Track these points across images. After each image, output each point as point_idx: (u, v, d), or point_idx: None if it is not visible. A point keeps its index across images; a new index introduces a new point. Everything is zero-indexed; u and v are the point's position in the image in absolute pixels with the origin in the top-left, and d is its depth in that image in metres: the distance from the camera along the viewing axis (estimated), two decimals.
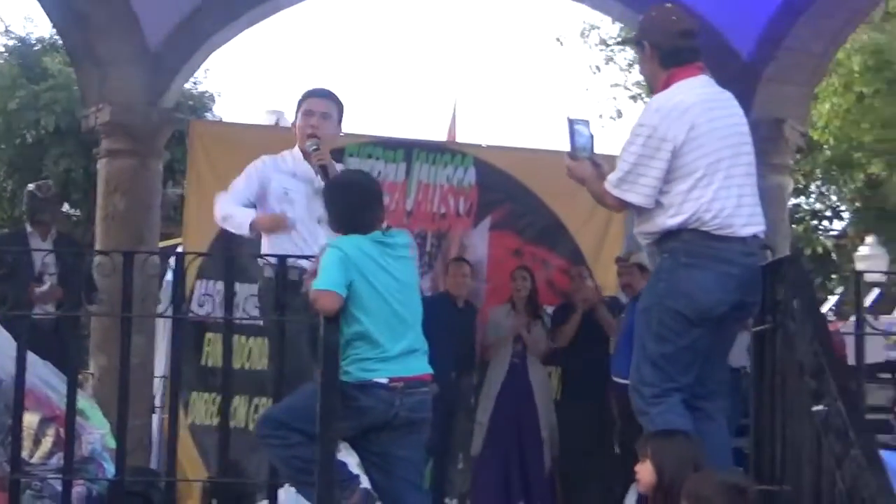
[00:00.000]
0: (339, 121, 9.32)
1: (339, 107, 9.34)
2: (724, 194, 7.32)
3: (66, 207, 25.44)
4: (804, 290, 7.19)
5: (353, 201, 7.50)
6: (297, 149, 9.21)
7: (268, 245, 9.00)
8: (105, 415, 8.25)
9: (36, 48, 26.91)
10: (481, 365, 13.34)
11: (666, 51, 7.56)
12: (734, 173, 7.39)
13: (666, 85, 7.50)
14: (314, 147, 8.91)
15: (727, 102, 7.64)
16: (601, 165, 7.71)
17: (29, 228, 12.19)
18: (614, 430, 12.71)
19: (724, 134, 7.41)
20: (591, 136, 7.70)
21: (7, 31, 27.63)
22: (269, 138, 15.01)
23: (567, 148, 7.72)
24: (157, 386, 14.54)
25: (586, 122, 7.70)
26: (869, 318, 10.60)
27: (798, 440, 6.97)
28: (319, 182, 8.76)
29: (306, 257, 8.14)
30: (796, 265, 7.41)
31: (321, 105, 9.21)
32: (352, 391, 6.99)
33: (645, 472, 6.79)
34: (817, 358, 6.67)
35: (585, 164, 7.67)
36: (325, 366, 6.77)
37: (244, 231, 8.94)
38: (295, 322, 7.96)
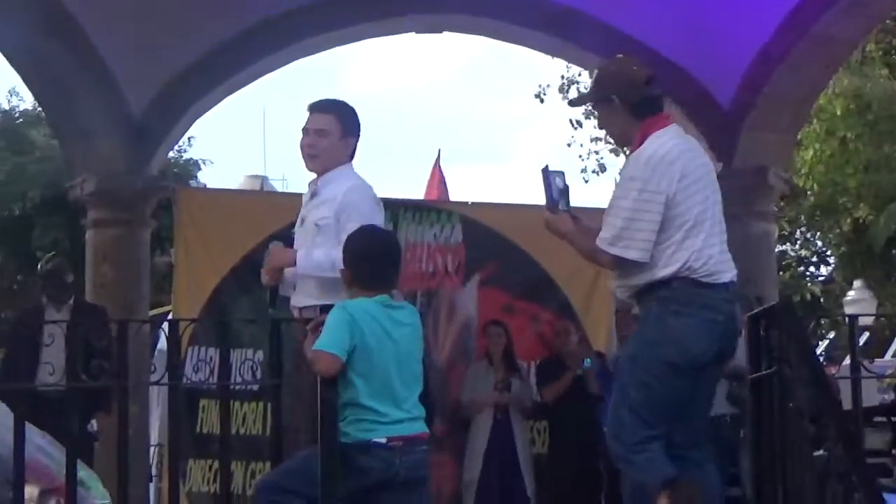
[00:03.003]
0: (346, 132, 8.53)
1: (342, 117, 8.57)
2: (710, 242, 7.27)
3: None
4: (799, 336, 7.21)
5: (378, 256, 7.39)
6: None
7: None
8: (104, 484, 8.20)
9: (20, 121, 26.99)
10: (463, 423, 13.30)
11: (637, 102, 7.41)
12: (717, 220, 7.36)
13: (642, 137, 7.38)
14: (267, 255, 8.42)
15: (700, 150, 7.60)
16: (580, 219, 7.55)
17: (45, 300, 12.23)
18: (602, 485, 12.72)
19: (706, 182, 7.37)
20: (567, 189, 7.54)
21: None
22: (254, 203, 15.14)
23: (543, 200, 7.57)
24: (152, 454, 14.52)
25: (562, 174, 7.53)
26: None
27: (800, 485, 6.99)
28: (305, 209, 8.47)
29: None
30: (789, 312, 7.42)
31: (315, 121, 8.52)
32: (351, 452, 6.95)
33: None
34: (816, 403, 6.71)
35: (566, 219, 7.51)
36: (324, 427, 6.74)
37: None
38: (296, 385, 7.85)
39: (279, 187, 29.60)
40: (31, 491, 7.47)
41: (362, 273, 7.26)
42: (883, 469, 12.10)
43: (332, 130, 8.48)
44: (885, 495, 6.63)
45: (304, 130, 8.53)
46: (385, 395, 7.05)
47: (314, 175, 8.48)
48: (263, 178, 29.45)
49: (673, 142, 7.38)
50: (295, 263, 8.20)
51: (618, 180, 7.61)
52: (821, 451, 6.61)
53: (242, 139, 63.73)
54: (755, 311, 7.99)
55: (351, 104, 8.75)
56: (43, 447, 7.90)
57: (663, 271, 7.21)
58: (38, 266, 12.65)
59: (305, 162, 8.56)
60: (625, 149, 34.02)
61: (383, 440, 7.02)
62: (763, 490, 7.63)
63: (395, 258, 7.53)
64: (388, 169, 60.39)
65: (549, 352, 13.67)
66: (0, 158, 25.48)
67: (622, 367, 7.51)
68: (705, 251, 7.25)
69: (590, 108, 34.97)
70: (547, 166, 7.53)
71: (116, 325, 7.78)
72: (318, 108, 8.61)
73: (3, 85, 30.85)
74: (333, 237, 8.12)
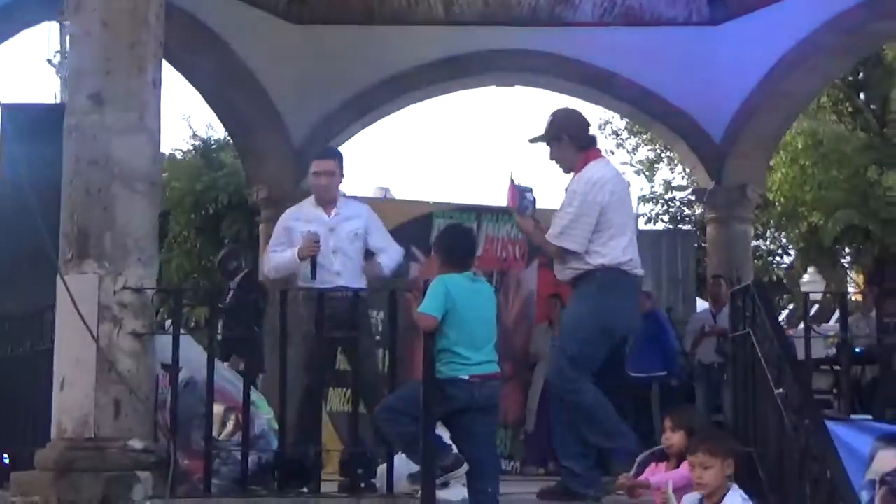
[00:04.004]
0: (342, 171, 8.59)
1: (339, 160, 8.66)
2: (631, 244, 7.39)
3: None
4: (768, 306, 7.14)
5: (461, 245, 7.37)
6: (313, 198, 8.58)
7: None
8: (269, 404, 8.24)
9: (214, 146, 27.14)
10: (530, 365, 13.26)
11: (582, 139, 7.55)
12: (634, 230, 7.55)
13: (584, 163, 7.47)
14: (314, 241, 8.26)
15: (623, 178, 7.80)
16: (539, 222, 7.70)
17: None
18: (626, 412, 12.65)
19: (627, 202, 7.58)
20: (534, 200, 7.62)
21: (194, 135, 28.00)
22: (378, 208, 15.08)
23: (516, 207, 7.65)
24: None
25: (530, 189, 7.60)
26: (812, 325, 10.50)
27: (765, 414, 6.93)
28: (331, 222, 8.41)
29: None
30: (761, 289, 7.35)
31: (323, 165, 8.54)
32: (443, 384, 6.94)
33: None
34: (777, 355, 6.64)
35: (530, 221, 7.65)
36: (425, 367, 6.74)
37: (296, 263, 8.31)
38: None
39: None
40: (218, 409, 7.52)
41: (452, 257, 7.28)
42: (826, 404, 11.92)
43: (336, 171, 8.54)
44: (828, 423, 6.55)
45: (316, 174, 8.51)
46: (469, 344, 7.05)
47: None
48: (386, 189, 29.45)
49: (605, 169, 7.54)
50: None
51: (566, 194, 7.58)
52: (780, 390, 6.53)
53: (369, 159, 63.45)
54: (736, 287, 7.94)
55: (341, 151, 9.07)
56: (227, 377, 7.96)
57: (597, 260, 7.29)
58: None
59: (320, 195, 8.54)
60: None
61: (466, 377, 7.01)
62: (739, 417, 7.58)
63: (473, 247, 7.59)
64: (476, 183, 60.15)
65: None
66: (200, 173, 25.67)
67: (565, 327, 7.57)
68: (628, 250, 7.36)
69: (620, 141, 35.01)
70: (519, 184, 7.63)
71: (280, 294, 7.83)
72: (323, 155, 8.77)
73: (203, 120, 31.18)
74: (363, 240, 8.44)
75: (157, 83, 7.24)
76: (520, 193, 7.60)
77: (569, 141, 7.55)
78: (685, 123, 14.97)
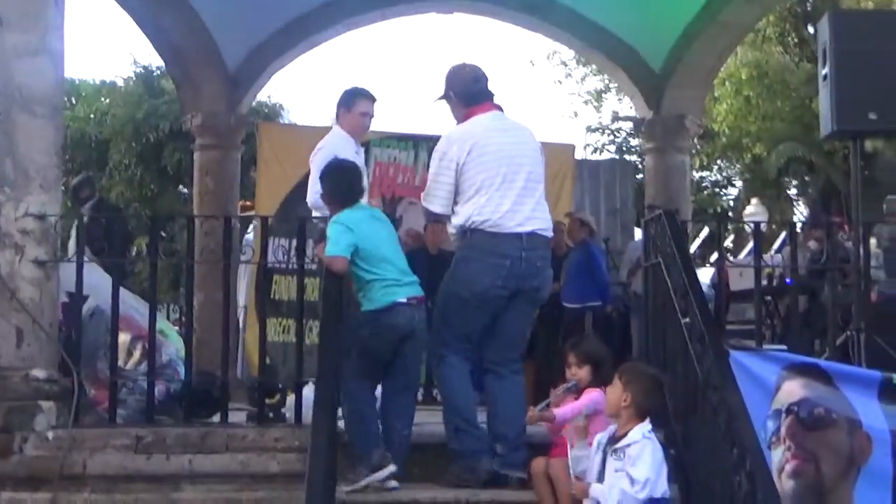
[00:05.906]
0: None
1: None
2: (496, 201, 6.96)
3: (181, 188, 25.62)
4: (677, 236, 7.04)
5: (339, 182, 7.19)
6: (345, 133, 8.32)
7: None
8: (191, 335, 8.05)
9: (156, 73, 26.76)
10: None
11: (464, 94, 7.24)
12: (511, 186, 7.00)
13: (465, 120, 7.22)
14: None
15: (513, 133, 7.24)
16: None
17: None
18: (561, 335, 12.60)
19: (501, 156, 7.03)
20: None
21: (135, 62, 27.65)
22: (319, 136, 14.91)
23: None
24: (240, 313, 14.39)
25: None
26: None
27: (674, 344, 6.86)
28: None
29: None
30: (671, 219, 7.24)
31: (372, 107, 8.41)
32: (380, 316, 6.75)
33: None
34: (684, 284, 6.57)
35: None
36: (324, 310, 6.52)
37: None
38: None
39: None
40: (124, 338, 7.43)
41: (337, 196, 7.14)
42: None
43: None
44: (734, 353, 6.48)
45: (364, 114, 8.36)
46: (389, 267, 6.88)
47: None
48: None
49: (480, 124, 7.15)
50: None
51: None
52: (686, 319, 6.44)
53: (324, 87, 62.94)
54: (647, 217, 7.84)
55: None
56: (134, 305, 7.84)
57: (457, 220, 7.05)
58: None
59: (361, 133, 8.55)
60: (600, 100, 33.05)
61: (404, 299, 6.82)
62: (650, 347, 7.52)
63: (353, 178, 7.30)
64: (417, 110, 59.75)
65: None
66: (140, 101, 25.44)
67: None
68: (487, 208, 6.95)
69: (568, 71, 34.80)
70: None
71: (223, 221, 7.80)
72: (372, 97, 8.44)
73: (145, 47, 30.27)
74: None
75: (59, 2, 7.04)
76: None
77: (455, 97, 7.29)
78: (624, 53, 14.84)
